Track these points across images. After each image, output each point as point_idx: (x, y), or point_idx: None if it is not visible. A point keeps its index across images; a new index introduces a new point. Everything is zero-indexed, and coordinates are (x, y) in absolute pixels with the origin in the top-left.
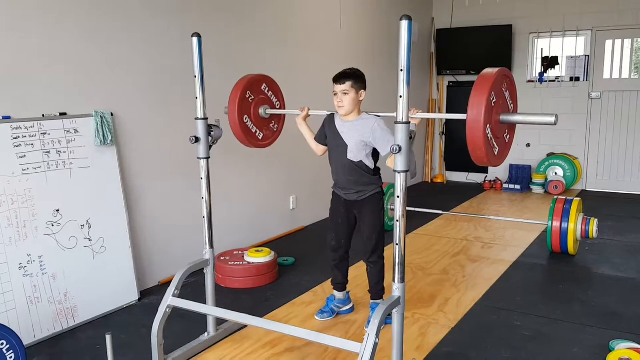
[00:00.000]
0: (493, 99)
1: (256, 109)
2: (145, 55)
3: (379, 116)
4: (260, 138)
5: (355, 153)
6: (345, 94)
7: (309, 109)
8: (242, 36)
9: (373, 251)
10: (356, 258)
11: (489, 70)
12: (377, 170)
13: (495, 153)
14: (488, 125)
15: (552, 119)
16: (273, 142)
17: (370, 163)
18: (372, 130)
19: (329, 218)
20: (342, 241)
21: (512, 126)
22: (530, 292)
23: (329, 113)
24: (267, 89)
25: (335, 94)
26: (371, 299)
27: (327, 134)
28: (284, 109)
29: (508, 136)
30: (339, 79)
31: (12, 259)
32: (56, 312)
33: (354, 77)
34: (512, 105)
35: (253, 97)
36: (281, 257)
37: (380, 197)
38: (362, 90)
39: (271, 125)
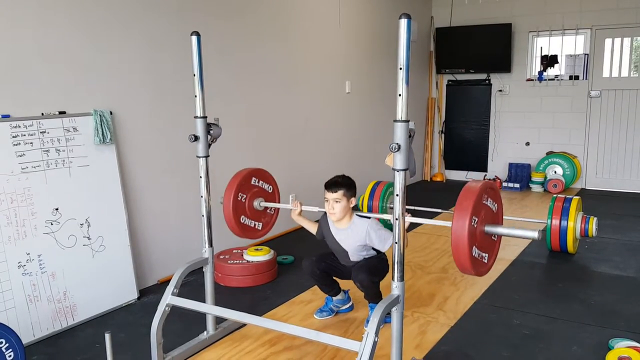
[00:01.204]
0: (475, 220)
1: (250, 203)
2: (145, 54)
3: (369, 217)
4: (259, 229)
5: (357, 255)
6: (337, 202)
7: (301, 204)
8: (241, 35)
9: (369, 278)
10: None
11: (472, 187)
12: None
13: (485, 261)
14: (474, 247)
15: (534, 235)
16: (271, 228)
17: (371, 253)
18: (367, 234)
19: (324, 252)
20: (322, 264)
21: None
22: (530, 290)
23: (321, 210)
24: (257, 180)
25: (327, 201)
26: (369, 303)
27: (325, 234)
28: (277, 190)
29: (496, 236)
30: (331, 187)
31: (11, 258)
32: (55, 310)
33: (345, 185)
34: (495, 206)
35: (245, 196)
36: (280, 256)
37: (383, 260)
38: (353, 198)
39: (267, 211)
